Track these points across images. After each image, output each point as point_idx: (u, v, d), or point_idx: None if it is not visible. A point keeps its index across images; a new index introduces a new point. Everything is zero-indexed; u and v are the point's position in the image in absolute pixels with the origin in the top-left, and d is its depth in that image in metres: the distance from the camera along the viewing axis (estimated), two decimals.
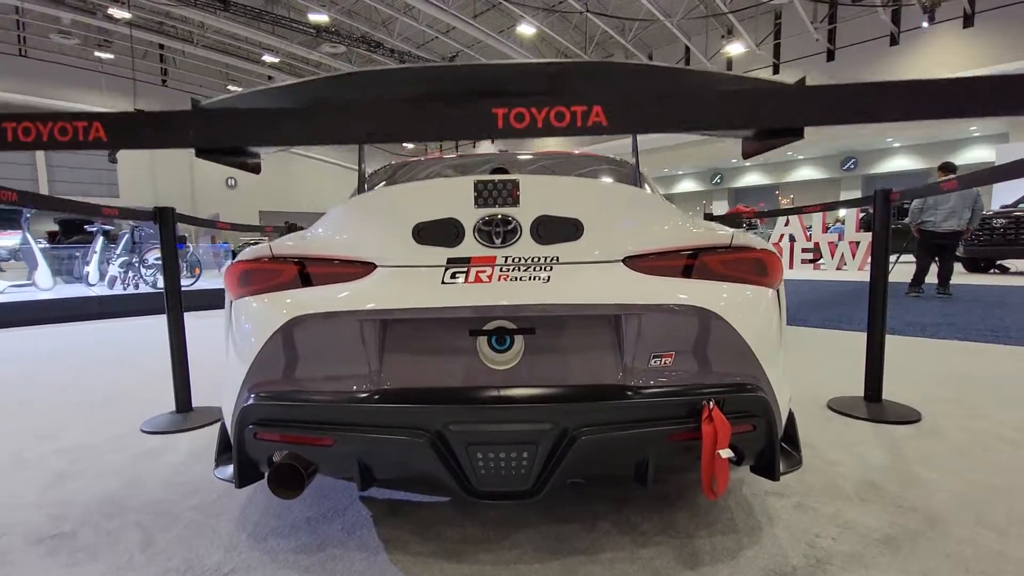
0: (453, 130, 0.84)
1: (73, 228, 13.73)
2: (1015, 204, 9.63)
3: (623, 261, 1.22)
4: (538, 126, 0.78)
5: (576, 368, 1.20)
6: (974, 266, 10.33)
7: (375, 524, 1.47)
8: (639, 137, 1.58)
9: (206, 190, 28.58)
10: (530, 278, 1.17)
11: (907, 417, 2.22)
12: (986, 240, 9.33)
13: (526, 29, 20.28)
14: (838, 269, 11.70)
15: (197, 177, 28.64)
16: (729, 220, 4.32)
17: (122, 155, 23.08)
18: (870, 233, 11.71)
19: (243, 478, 1.26)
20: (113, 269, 7.19)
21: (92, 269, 7.46)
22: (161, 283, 7.15)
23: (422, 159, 2.34)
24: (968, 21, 17.74)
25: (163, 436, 2.22)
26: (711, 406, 1.13)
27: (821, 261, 12.24)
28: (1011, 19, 16.84)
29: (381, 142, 0.79)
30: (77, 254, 8.27)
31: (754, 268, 1.26)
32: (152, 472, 1.87)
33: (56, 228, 15.27)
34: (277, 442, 1.20)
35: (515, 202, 1.17)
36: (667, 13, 19.29)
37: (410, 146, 33.84)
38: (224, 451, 1.41)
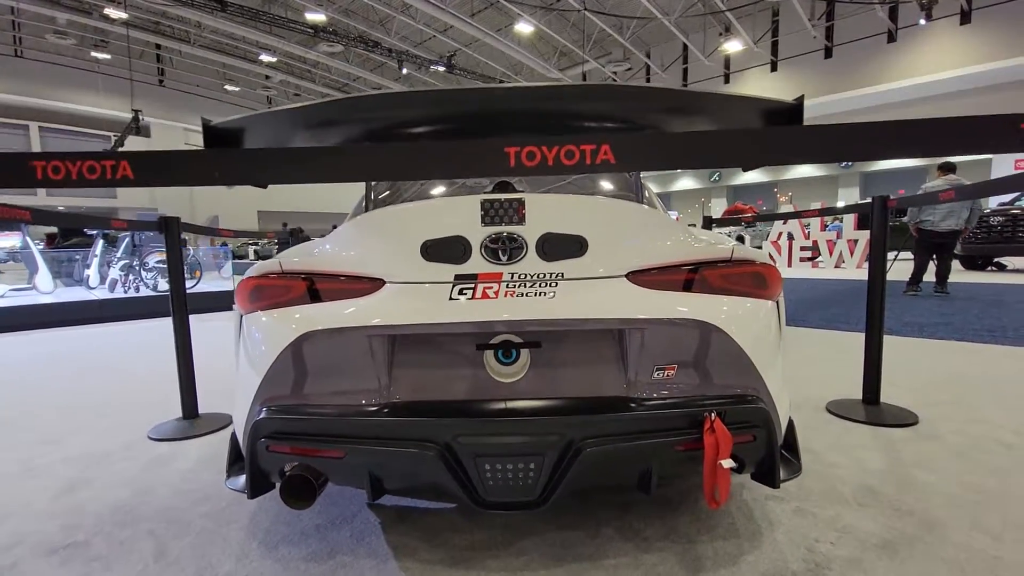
0: (467, 169, 0.87)
1: (72, 231, 13.73)
2: (1012, 202, 9.69)
3: (626, 276, 1.25)
4: (548, 164, 0.81)
5: (581, 381, 1.23)
6: (971, 264, 10.38)
7: (384, 531, 1.50)
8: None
9: (204, 191, 28.52)
10: (536, 294, 1.20)
11: (905, 420, 2.25)
12: (983, 238, 9.38)
13: (524, 27, 20.29)
14: (836, 267, 11.75)
15: None
16: (728, 219, 4.35)
17: None
18: (867, 231, 11.77)
19: (255, 489, 1.28)
20: (114, 272, 7.21)
21: (92, 272, 7.47)
22: (162, 286, 7.15)
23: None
24: (965, 18, 17.78)
25: (171, 443, 2.25)
26: (713, 417, 1.16)
27: (819, 259, 12.29)
28: (1008, 16, 16.88)
29: (399, 180, 0.82)
30: (77, 257, 8.27)
31: (754, 281, 1.29)
32: (162, 480, 1.89)
33: (54, 231, 15.26)
34: (289, 454, 1.22)
35: (521, 220, 1.19)
36: (665, 11, 19.30)
37: None
38: (235, 462, 1.43)
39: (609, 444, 1.15)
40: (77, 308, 6.03)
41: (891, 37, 19.31)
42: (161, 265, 7.20)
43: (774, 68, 22.08)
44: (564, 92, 1.27)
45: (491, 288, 1.19)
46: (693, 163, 0.88)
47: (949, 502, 1.59)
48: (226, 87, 28.56)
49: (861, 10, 19.06)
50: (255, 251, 22.40)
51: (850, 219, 11.93)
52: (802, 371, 3.17)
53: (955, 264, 9.42)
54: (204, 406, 2.55)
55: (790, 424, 1.43)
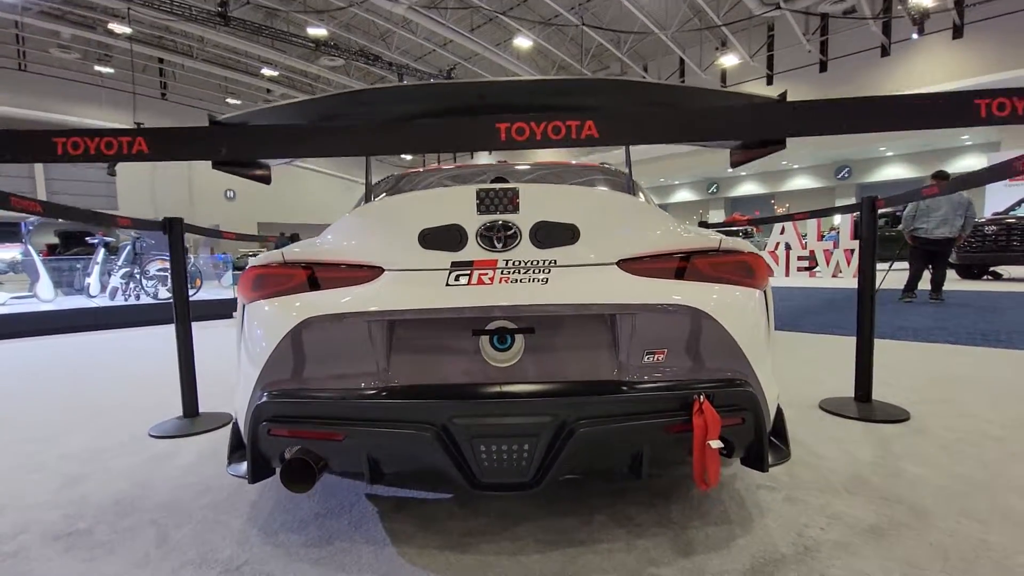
0: (460, 142, 0.92)
1: (73, 240, 13.78)
2: (1007, 211, 9.78)
3: (617, 264, 1.29)
4: (536, 138, 0.86)
5: (573, 365, 1.27)
6: (967, 273, 10.44)
7: (381, 519, 1.53)
8: (634, 149, 1.67)
9: (205, 202, 28.68)
10: (529, 280, 1.24)
11: (896, 416, 2.28)
12: (979, 247, 9.45)
13: (523, 42, 20.55)
14: (834, 276, 11.80)
15: (195, 189, 28.78)
16: (727, 228, 4.41)
17: (121, 167, 23.18)
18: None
19: (256, 474, 1.31)
20: (115, 280, 7.24)
21: (93, 280, 7.51)
22: (162, 294, 7.19)
23: (421, 170, 2.42)
24: (957, 32, 18.04)
25: (171, 440, 2.27)
26: (702, 400, 1.20)
27: (817, 269, 12.35)
28: (999, 31, 17.13)
29: (395, 153, 0.86)
30: (78, 266, 8.32)
31: (741, 270, 1.33)
32: (163, 474, 1.92)
33: (55, 241, 15.32)
34: (289, 438, 1.25)
35: (515, 209, 1.24)
36: (662, 26, 19.57)
37: (408, 158, 34.03)
38: (236, 449, 1.46)
39: (601, 425, 1.19)
40: (78, 315, 6.06)
41: (885, 51, 19.57)
42: (162, 273, 7.25)
43: (770, 81, 22.35)
44: (554, 85, 1.33)
45: (486, 274, 1.24)
46: (670, 137, 0.93)
47: (937, 491, 1.62)
48: (228, 100, 28.81)
49: (855, 25, 19.34)
50: None
51: (847, 229, 12.00)
52: (797, 373, 3.20)
53: (951, 273, 9.49)
54: (202, 407, 2.57)
55: (779, 412, 1.47)
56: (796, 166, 26.05)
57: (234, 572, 1.30)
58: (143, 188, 26.60)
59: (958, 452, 1.92)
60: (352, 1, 17.36)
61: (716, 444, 1.17)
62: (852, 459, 1.88)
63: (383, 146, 0.91)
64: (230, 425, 1.51)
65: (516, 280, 1.24)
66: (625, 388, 1.23)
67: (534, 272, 1.25)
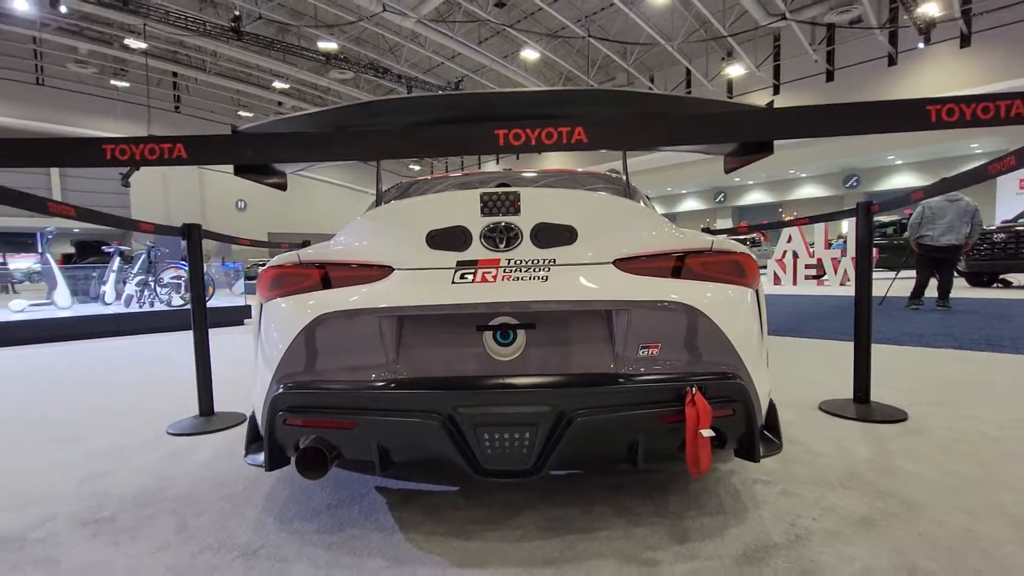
0: (463, 147, 1.00)
1: (88, 249, 14.05)
2: (1015, 219, 9.74)
3: (613, 263, 1.36)
4: (532, 143, 0.94)
5: (572, 358, 1.34)
6: (977, 280, 10.38)
7: (390, 509, 1.59)
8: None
9: (216, 213, 29.13)
10: (530, 278, 1.32)
11: (894, 417, 2.32)
12: (987, 254, 9.41)
13: (530, 54, 20.81)
14: (842, 284, 11.78)
15: (207, 200, 29.26)
16: (734, 237, 4.46)
17: (135, 179, 23.65)
18: (873, 249, 11.81)
19: (272, 462, 1.39)
20: (130, 288, 7.40)
21: (109, 288, 7.68)
22: (175, 301, 7.32)
23: (429, 177, 2.51)
24: (965, 41, 18.06)
25: (188, 438, 2.36)
26: (693, 391, 1.26)
27: (825, 277, 12.32)
28: (1007, 39, 17.14)
29: (403, 157, 0.94)
30: (94, 274, 8.50)
31: (732, 269, 1.40)
32: (181, 468, 2.00)
33: (71, 251, 15.60)
34: (304, 427, 1.33)
35: (517, 211, 1.32)
36: (667, 37, 19.75)
37: (416, 167, 34.37)
38: (253, 440, 1.54)
39: (597, 415, 1.25)
40: (94, 322, 6.20)
41: (892, 60, 19.62)
42: (176, 281, 7.39)
43: (776, 91, 22.42)
44: (551, 96, 1.41)
45: (490, 272, 1.31)
46: (659, 142, 1.01)
47: (931, 486, 1.66)
48: (239, 112, 29.33)
49: (861, 35, 19.42)
50: None
51: (854, 237, 11.95)
52: (799, 376, 3.24)
53: (960, 281, 9.45)
54: (216, 407, 2.66)
55: (771, 406, 1.53)
56: (804, 175, 26.02)
57: (251, 556, 1.37)
58: (156, 199, 27.08)
59: (954, 451, 1.96)
60: (362, 16, 17.69)
61: (707, 433, 1.23)
62: (848, 456, 1.93)
63: (393, 151, 1.00)
64: (246, 422, 1.59)
65: (518, 278, 1.31)
66: (621, 380, 1.29)
67: (534, 270, 1.32)
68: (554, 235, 1.33)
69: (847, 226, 13.67)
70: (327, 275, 1.41)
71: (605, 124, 0.96)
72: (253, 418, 1.55)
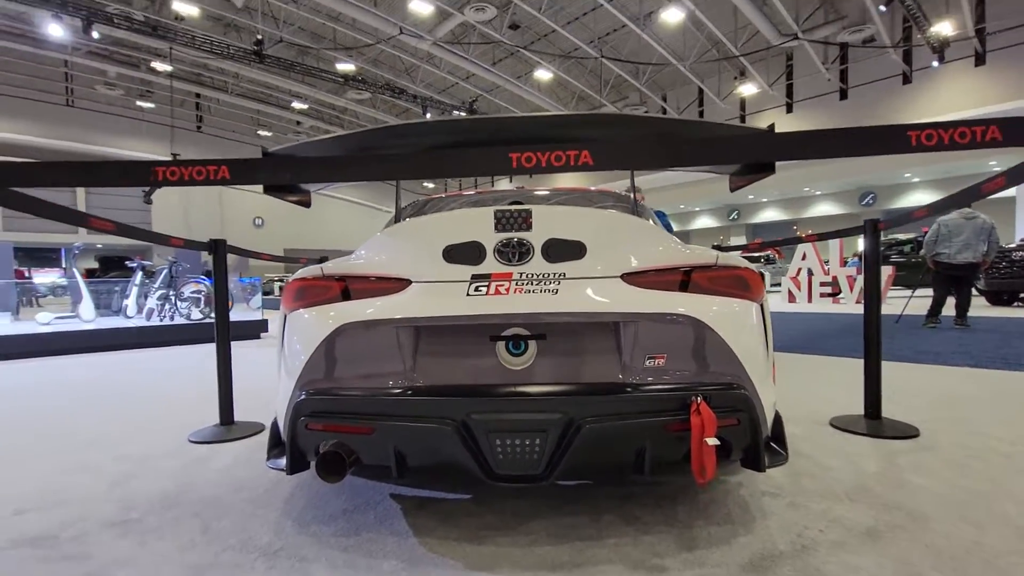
0: (479, 169, 1.08)
1: (111, 264, 14.42)
2: None
3: (621, 277, 1.42)
4: (542, 165, 1.01)
5: (581, 368, 1.39)
6: (997, 299, 10.23)
7: (405, 515, 1.65)
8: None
9: (234, 230, 29.72)
10: (541, 291, 1.38)
11: (905, 433, 2.33)
12: (1007, 273, 9.28)
13: (543, 74, 21.14)
14: (857, 303, 11.65)
15: (226, 217, 29.91)
16: (748, 255, 4.51)
17: (156, 197, 24.30)
18: (890, 267, 11.71)
19: (293, 466, 1.45)
20: (151, 302, 7.59)
21: (131, 302, 7.88)
22: (194, 315, 7.48)
23: (443, 195, 2.60)
24: (980, 59, 18.00)
25: (210, 445, 2.43)
26: (699, 401, 1.30)
27: (841, 296, 12.20)
28: (1022, 58, 17.04)
29: (424, 178, 1.02)
30: (116, 288, 8.73)
31: (736, 283, 1.45)
32: (203, 474, 2.07)
33: (94, 265, 16.01)
34: (324, 431, 1.39)
35: (528, 227, 1.39)
36: (680, 57, 19.95)
37: (430, 185, 34.81)
38: (275, 445, 1.61)
39: (605, 422, 1.30)
40: (117, 334, 6.37)
41: (906, 79, 19.58)
42: (195, 296, 7.57)
43: (789, 109, 22.46)
44: (560, 120, 1.49)
45: (503, 285, 1.38)
46: (660, 163, 1.07)
47: (939, 500, 1.68)
48: (259, 132, 30.07)
49: (875, 54, 19.44)
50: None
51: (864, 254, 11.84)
52: (810, 392, 3.24)
53: (980, 300, 9.30)
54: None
55: (777, 417, 1.56)
56: (819, 192, 25.90)
57: (271, 555, 1.43)
58: (176, 216, 27.72)
59: (963, 466, 1.96)
60: (380, 39, 18.16)
61: (712, 441, 1.27)
62: (857, 471, 1.94)
63: (415, 172, 1.08)
64: (264, 431, 1.66)
65: (529, 291, 1.38)
66: (628, 389, 1.34)
67: (545, 284, 1.38)
68: (564, 250, 1.40)
69: (863, 244, 13.55)
70: (348, 287, 1.48)
71: (609, 146, 1.03)
72: (275, 424, 1.62)
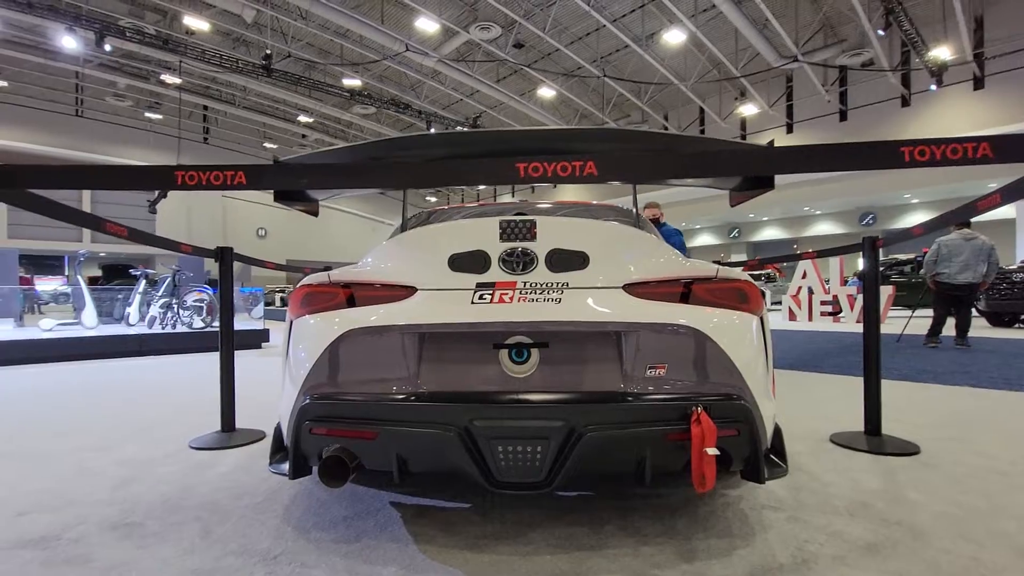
0: (487, 178, 1.11)
1: (114, 272, 14.49)
2: None
3: (623, 287, 1.44)
4: (548, 175, 1.04)
5: (583, 376, 1.41)
6: (998, 320, 10.22)
7: (405, 523, 1.65)
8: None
9: (237, 240, 29.78)
10: (545, 300, 1.40)
11: (905, 450, 2.33)
12: (1008, 294, 9.30)
13: (546, 92, 21.39)
14: (858, 322, 11.65)
15: (229, 227, 30.03)
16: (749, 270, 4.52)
17: (160, 207, 24.43)
18: (890, 287, 11.72)
19: (296, 470, 1.46)
20: (153, 310, 7.62)
21: (133, 310, 7.91)
22: (196, 324, 7.50)
23: (446, 207, 2.64)
24: (978, 83, 18.21)
25: (211, 452, 2.44)
26: (699, 410, 1.32)
27: (841, 315, 12.20)
28: (1021, 82, 17.25)
29: (433, 187, 1.05)
30: (119, 296, 8.77)
31: (736, 296, 1.47)
32: (204, 480, 2.07)
33: (98, 273, 16.08)
34: (328, 436, 1.41)
35: (533, 237, 1.42)
36: (681, 77, 20.21)
37: (433, 198, 35.04)
38: (278, 450, 1.62)
39: (606, 431, 1.32)
40: (119, 342, 6.38)
41: (905, 101, 19.80)
42: (198, 304, 7.60)
43: (790, 130, 22.67)
44: (566, 134, 1.52)
45: (507, 294, 1.40)
46: (662, 176, 1.10)
47: (938, 516, 1.68)
48: (265, 144, 30.34)
49: (873, 77, 19.68)
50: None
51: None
52: (811, 410, 3.25)
53: (981, 321, 9.30)
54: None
55: (777, 430, 1.57)
56: (819, 212, 26.02)
57: (271, 561, 1.43)
58: (180, 226, 27.80)
59: (963, 483, 1.97)
60: (386, 55, 18.42)
61: (712, 451, 1.28)
62: (857, 486, 1.94)
63: (424, 181, 1.11)
64: (265, 438, 1.67)
65: (533, 300, 1.40)
66: (629, 398, 1.36)
67: (549, 293, 1.41)
68: (567, 260, 1.42)
69: (863, 264, 13.58)
70: (354, 294, 1.51)
71: (614, 158, 1.06)
72: (278, 429, 1.63)
